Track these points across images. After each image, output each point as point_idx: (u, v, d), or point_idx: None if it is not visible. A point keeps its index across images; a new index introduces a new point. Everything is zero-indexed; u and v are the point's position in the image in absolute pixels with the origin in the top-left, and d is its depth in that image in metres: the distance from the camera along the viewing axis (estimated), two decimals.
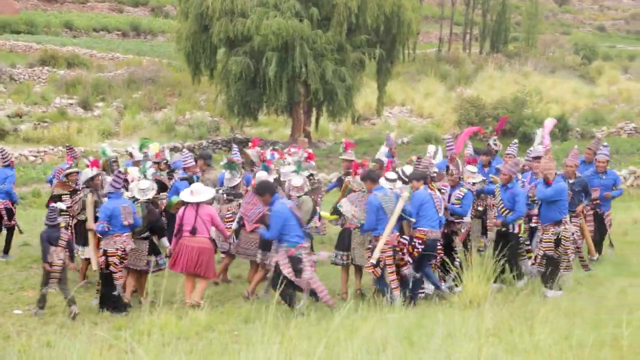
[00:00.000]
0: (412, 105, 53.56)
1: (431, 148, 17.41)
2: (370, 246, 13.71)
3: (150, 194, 14.60)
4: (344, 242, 15.18)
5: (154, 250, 14.79)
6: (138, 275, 14.82)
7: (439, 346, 8.35)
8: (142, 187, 14.56)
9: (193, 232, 14.01)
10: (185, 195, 14.37)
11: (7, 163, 18.57)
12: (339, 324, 9.70)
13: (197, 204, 14.17)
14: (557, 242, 13.94)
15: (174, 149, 35.17)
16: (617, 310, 11.00)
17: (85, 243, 15.36)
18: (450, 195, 15.09)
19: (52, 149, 36.43)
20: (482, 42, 74.42)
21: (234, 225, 15.68)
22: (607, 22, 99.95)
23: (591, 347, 8.49)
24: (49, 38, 63.36)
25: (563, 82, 57.67)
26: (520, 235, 14.64)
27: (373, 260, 13.30)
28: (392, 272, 13.36)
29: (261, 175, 15.27)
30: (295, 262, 13.11)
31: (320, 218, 16.47)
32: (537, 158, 15.75)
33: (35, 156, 35.77)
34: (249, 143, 18.90)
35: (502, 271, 14.03)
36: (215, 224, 14.53)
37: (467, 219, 15.02)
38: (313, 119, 43.57)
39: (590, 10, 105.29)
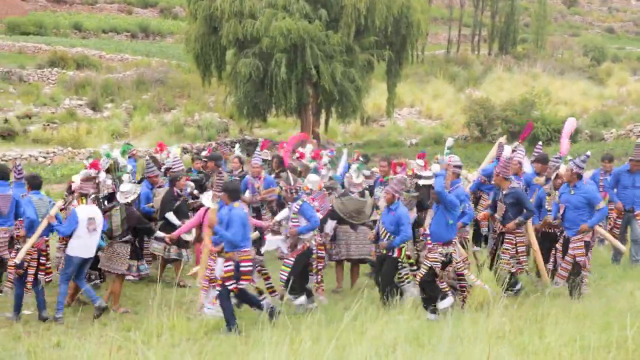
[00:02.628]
0: (421, 106, 53.58)
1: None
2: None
3: (131, 197, 14.35)
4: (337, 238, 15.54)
5: (137, 255, 14.54)
6: (116, 280, 14.54)
7: (448, 348, 8.35)
8: (124, 189, 14.35)
9: None
10: (207, 201, 14.27)
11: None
12: (349, 325, 9.71)
13: None
14: (445, 264, 12.91)
15: (183, 151, 35.23)
16: (626, 313, 10.98)
17: None
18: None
19: (62, 150, 36.52)
20: (491, 43, 74.25)
21: (279, 215, 15.82)
22: (616, 23, 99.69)
23: (598, 350, 8.49)
24: (58, 39, 63.41)
25: (572, 83, 57.62)
26: (399, 260, 13.62)
27: (17, 260, 13.32)
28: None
29: (313, 177, 15.14)
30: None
31: None
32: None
33: (45, 157, 35.86)
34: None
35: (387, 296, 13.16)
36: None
37: (308, 235, 13.98)
38: (322, 120, 43.59)
39: (599, 12, 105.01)
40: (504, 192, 13.96)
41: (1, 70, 49.36)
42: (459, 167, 15.01)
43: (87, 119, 43.19)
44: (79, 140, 38.57)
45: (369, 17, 39.68)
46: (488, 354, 7.53)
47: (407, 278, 13.86)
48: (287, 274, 13.70)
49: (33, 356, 9.89)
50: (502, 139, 17.21)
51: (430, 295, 12.74)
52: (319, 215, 14.62)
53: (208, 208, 14.16)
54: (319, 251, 14.30)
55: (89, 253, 13.97)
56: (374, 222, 15.14)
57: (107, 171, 16.44)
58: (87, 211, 13.89)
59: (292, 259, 13.82)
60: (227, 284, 12.60)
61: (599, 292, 13.59)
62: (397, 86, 45.91)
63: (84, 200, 14.09)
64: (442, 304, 12.58)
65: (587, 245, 13.77)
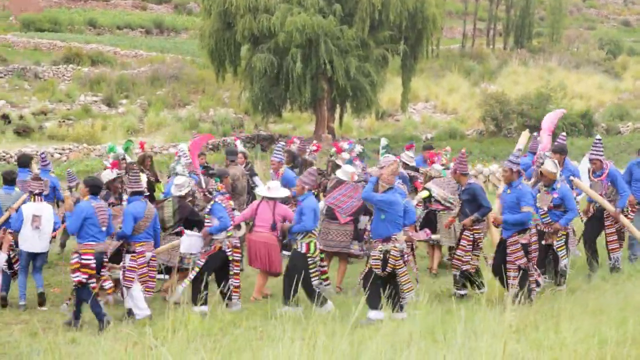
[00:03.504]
0: (436, 101, 53.48)
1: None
2: None
3: (185, 190, 14.65)
4: (429, 223, 16.22)
5: None
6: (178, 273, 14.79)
7: (463, 343, 8.33)
8: (178, 182, 14.68)
9: (273, 228, 14.45)
10: (263, 190, 14.83)
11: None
12: (363, 320, 9.68)
13: (275, 201, 14.56)
14: (385, 262, 12.61)
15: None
16: None
17: None
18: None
19: (77, 147, 36.59)
20: (506, 37, 74.09)
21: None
22: (632, 16, 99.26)
23: (615, 345, 8.44)
24: (73, 36, 63.66)
25: (588, 77, 57.41)
26: (309, 255, 13.53)
27: None
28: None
29: (348, 168, 15.45)
30: None
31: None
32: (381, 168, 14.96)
33: (60, 153, 35.93)
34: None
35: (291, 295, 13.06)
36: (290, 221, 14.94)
37: (220, 236, 13.83)
38: (337, 115, 43.57)
39: (615, 5, 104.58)
40: (462, 188, 13.94)
41: (17, 67, 49.60)
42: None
43: (102, 115, 43.29)
44: (94, 137, 38.64)
45: (383, 11, 39.61)
46: (503, 349, 7.50)
47: (315, 276, 13.63)
48: (197, 274, 13.66)
49: (50, 352, 9.90)
50: (526, 132, 17.16)
51: (372, 293, 12.50)
52: (356, 204, 15.02)
53: (262, 200, 14.71)
54: (235, 254, 14.18)
55: (37, 248, 14.34)
56: None
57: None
58: (33, 208, 14.33)
59: (204, 260, 13.75)
60: (72, 276, 12.76)
61: (616, 287, 13.52)
62: (412, 81, 45.84)
63: (33, 198, 14.63)
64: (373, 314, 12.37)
65: (525, 248, 13.04)
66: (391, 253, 12.54)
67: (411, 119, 48.35)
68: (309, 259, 13.53)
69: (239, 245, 14.37)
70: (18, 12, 67.88)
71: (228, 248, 13.89)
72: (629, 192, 15.03)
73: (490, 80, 57.12)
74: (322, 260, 14.24)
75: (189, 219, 14.65)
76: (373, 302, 12.36)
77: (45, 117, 41.30)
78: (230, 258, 13.92)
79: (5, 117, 39.42)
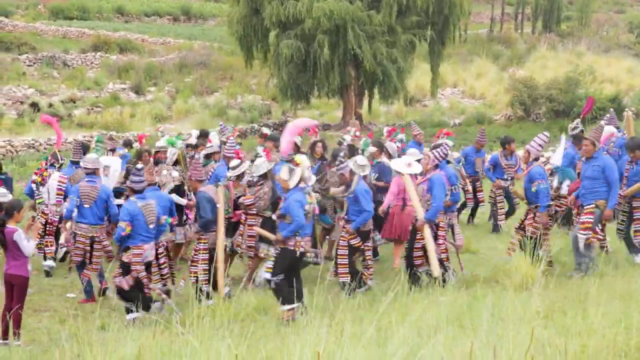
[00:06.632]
0: (464, 86, 53.20)
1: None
2: None
3: (367, 170, 14.73)
4: None
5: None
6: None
7: (490, 329, 8.31)
8: (361, 163, 14.60)
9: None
10: (402, 167, 14.73)
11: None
12: (390, 307, 9.67)
13: (415, 176, 14.82)
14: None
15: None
16: None
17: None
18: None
19: (105, 134, 36.71)
20: (535, 21, 73.60)
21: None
22: None
23: None
24: (101, 24, 63.97)
25: (617, 61, 56.86)
26: None
27: None
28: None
29: (413, 151, 15.65)
30: None
31: None
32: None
33: (89, 141, 36.03)
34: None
35: None
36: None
37: None
38: (365, 101, 43.42)
39: None
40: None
41: (45, 55, 49.81)
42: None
43: (131, 102, 43.38)
44: (122, 124, 38.76)
45: None
46: (531, 334, 7.46)
47: None
48: None
49: (78, 339, 9.97)
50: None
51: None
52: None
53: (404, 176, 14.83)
54: None
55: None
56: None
57: (175, 163, 16.42)
58: (106, 161, 16.60)
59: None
60: None
61: None
62: (440, 66, 45.59)
63: (106, 153, 17.87)
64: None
65: (125, 267, 12.96)
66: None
67: (439, 105, 48.16)
68: None
69: None
70: (47, 1, 68.30)
71: None
72: (440, 205, 13.99)
73: (518, 65, 56.77)
74: None
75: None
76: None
77: (74, 105, 41.45)
78: None
79: (35, 105, 39.60)
